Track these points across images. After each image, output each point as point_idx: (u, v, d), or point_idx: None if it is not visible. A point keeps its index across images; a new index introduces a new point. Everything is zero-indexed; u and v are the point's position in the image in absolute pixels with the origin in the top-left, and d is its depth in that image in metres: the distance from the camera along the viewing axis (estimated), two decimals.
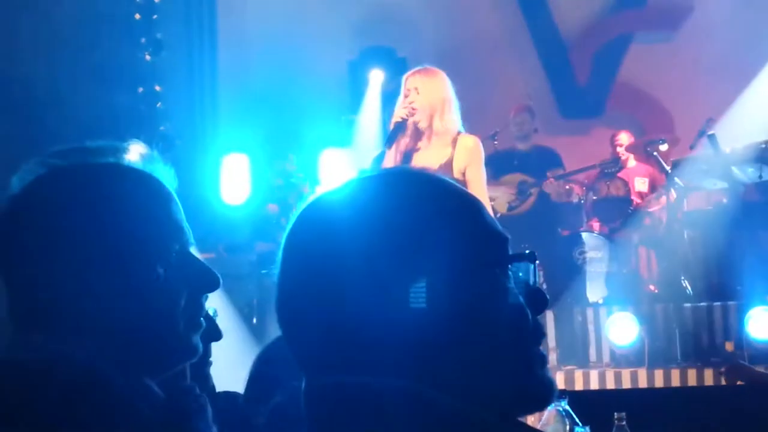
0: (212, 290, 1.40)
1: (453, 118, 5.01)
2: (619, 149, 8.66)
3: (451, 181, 1.11)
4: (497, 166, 7.82)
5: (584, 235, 8.16)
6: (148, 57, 8.31)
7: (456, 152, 4.90)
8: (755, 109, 8.78)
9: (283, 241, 1.13)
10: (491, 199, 7.78)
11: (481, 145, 5.06)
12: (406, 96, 4.99)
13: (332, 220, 1.06)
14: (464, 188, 1.12)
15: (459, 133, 5.01)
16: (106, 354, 1.31)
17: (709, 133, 7.36)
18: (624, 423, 2.75)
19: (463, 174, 4.90)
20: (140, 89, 8.35)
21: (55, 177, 1.37)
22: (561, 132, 10.00)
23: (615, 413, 2.77)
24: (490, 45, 10.11)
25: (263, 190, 8.62)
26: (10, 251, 1.36)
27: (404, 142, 4.98)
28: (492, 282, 1.05)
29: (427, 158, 4.90)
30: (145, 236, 1.35)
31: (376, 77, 9.08)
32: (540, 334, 1.09)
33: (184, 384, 1.42)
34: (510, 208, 7.79)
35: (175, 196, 1.43)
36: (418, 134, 4.97)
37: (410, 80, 5.05)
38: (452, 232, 1.04)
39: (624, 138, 8.75)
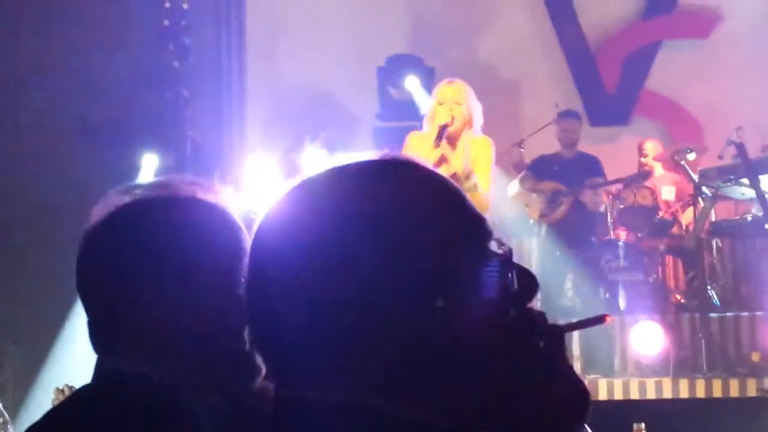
0: None
1: (480, 128, 5.39)
2: (644, 159, 8.63)
3: (436, 171, 1.06)
4: (539, 171, 7.82)
5: (610, 243, 8.13)
6: (176, 63, 8.37)
7: (474, 153, 5.26)
8: None
9: (257, 230, 1.05)
10: (526, 205, 7.81)
11: (491, 144, 5.35)
12: (441, 104, 5.20)
13: (315, 212, 0.98)
14: (447, 178, 1.05)
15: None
16: (185, 376, 1.42)
17: (737, 141, 7.31)
18: None
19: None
20: (168, 94, 8.41)
21: (139, 207, 1.48)
22: (588, 140, 9.97)
23: (634, 424, 2.77)
24: (518, 53, 10.10)
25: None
26: (95, 276, 1.46)
27: (439, 149, 5.17)
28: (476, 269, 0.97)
29: (454, 164, 5.22)
30: (219, 266, 1.45)
31: (412, 84, 8.93)
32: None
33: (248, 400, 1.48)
34: (542, 216, 7.78)
35: (243, 227, 1.51)
36: (450, 138, 5.28)
37: (445, 90, 5.40)
38: (437, 225, 0.98)
39: (650, 147, 8.72)
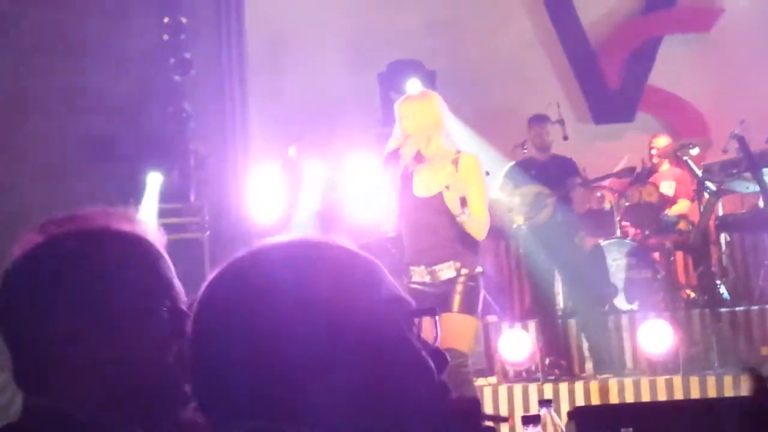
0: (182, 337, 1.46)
1: (447, 139, 5.14)
2: (653, 152, 8.61)
3: (353, 249, 1.19)
4: (516, 176, 7.79)
5: (617, 242, 8.11)
6: (177, 77, 8.39)
7: (459, 172, 5.03)
8: None
9: (200, 300, 1.18)
10: (509, 210, 7.79)
11: (479, 163, 5.17)
12: (400, 121, 5.12)
13: (253, 285, 1.13)
14: (365, 256, 1.19)
15: (459, 152, 5.15)
16: (106, 411, 1.41)
17: (739, 134, 7.28)
18: None
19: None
20: (170, 108, 8.43)
21: (50, 245, 1.47)
22: (593, 138, 9.95)
23: (622, 429, 2.75)
24: (519, 52, 10.08)
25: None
26: (11, 316, 1.46)
27: (406, 165, 5.08)
28: (400, 340, 1.13)
29: (430, 179, 5.08)
30: (135, 295, 1.45)
31: (414, 86, 8.93)
32: (445, 389, 1.16)
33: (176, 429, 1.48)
34: (527, 219, 7.75)
35: (163, 253, 1.51)
36: (418, 157, 5.10)
37: (402, 107, 5.18)
38: (359, 299, 1.13)
39: (659, 141, 8.69)
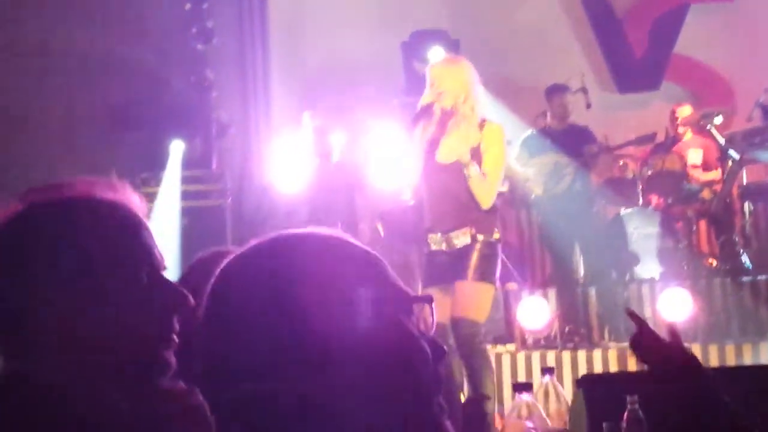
0: (182, 310, 1.50)
1: (478, 103, 5.14)
2: (677, 122, 8.54)
3: (358, 245, 1.27)
4: (533, 146, 7.77)
5: (640, 210, 8.08)
6: (199, 46, 8.42)
7: (483, 139, 5.05)
8: None
9: (221, 276, 1.26)
10: (526, 180, 7.77)
11: (503, 133, 5.17)
12: (431, 85, 5.09)
13: (272, 268, 1.23)
14: (368, 250, 1.27)
15: (484, 120, 5.13)
16: (83, 376, 1.42)
17: (765, 103, 7.21)
18: (636, 406, 2.74)
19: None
20: (192, 77, 8.46)
21: (31, 212, 1.49)
22: (618, 107, 9.89)
23: (627, 396, 2.75)
24: (544, 22, 10.02)
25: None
26: None
27: (431, 128, 5.07)
28: (398, 328, 1.22)
29: (454, 143, 5.07)
30: (115, 261, 1.47)
31: (437, 55, 8.93)
32: (438, 380, 1.24)
33: (155, 394, 1.49)
34: (546, 190, 7.74)
35: (144, 222, 1.54)
36: (444, 120, 5.11)
37: (434, 69, 5.22)
38: (363, 289, 1.21)
39: (683, 111, 8.61)
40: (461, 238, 5.04)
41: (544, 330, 7.24)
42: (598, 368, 6.83)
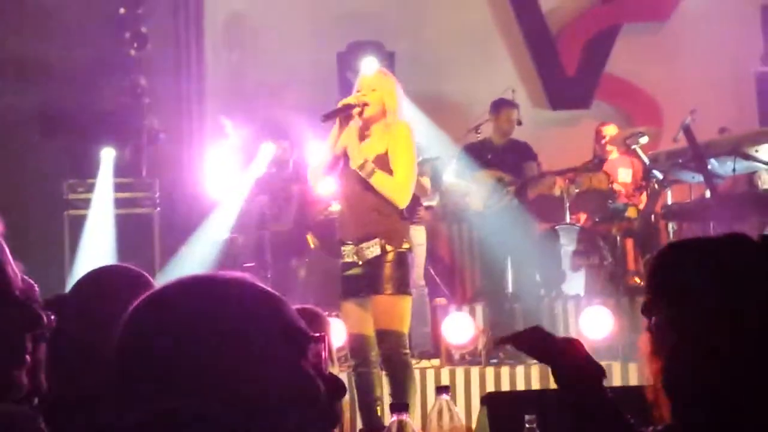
0: (34, 329, 1.51)
1: (399, 117, 5.20)
2: (603, 141, 8.67)
3: (259, 287, 1.33)
4: (471, 160, 7.82)
5: (567, 228, 8.19)
6: (132, 52, 8.37)
7: (390, 138, 5.11)
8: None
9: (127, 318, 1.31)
10: (464, 195, 7.83)
11: (411, 131, 5.20)
12: (357, 91, 5.17)
13: (173, 313, 1.28)
14: (269, 292, 1.33)
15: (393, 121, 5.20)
16: None
17: (687, 124, 7.34)
18: (534, 425, 2.80)
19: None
20: (126, 83, 8.41)
21: None
22: (548, 123, 10.02)
23: (525, 415, 2.81)
24: (478, 36, 10.12)
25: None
26: None
27: (349, 136, 5.10)
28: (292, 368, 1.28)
29: (368, 149, 5.13)
30: None
31: (369, 66, 8.97)
32: (331, 416, 1.32)
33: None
34: (487, 206, 7.80)
35: None
36: (364, 126, 5.16)
37: (364, 79, 5.30)
38: (260, 329, 1.28)
39: (609, 130, 8.75)
40: (372, 249, 5.08)
41: (469, 345, 7.31)
42: (521, 385, 6.91)
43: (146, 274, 2.32)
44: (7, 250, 1.52)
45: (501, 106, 8.09)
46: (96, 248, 7.96)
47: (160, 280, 1.41)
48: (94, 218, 8.13)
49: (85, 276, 2.38)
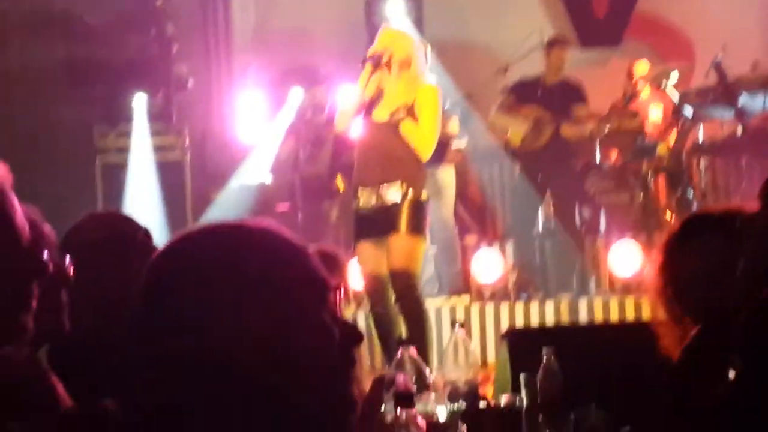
0: (39, 276, 1.55)
1: (422, 68, 5.35)
2: (634, 80, 8.60)
3: (282, 235, 1.33)
4: (520, 94, 7.82)
5: (597, 166, 8.17)
6: (159, 2, 8.39)
7: (417, 99, 5.23)
8: None
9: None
10: (507, 127, 7.86)
11: (438, 95, 5.36)
12: (381, 42, 5.36)
13: (194, 264, 1.28)
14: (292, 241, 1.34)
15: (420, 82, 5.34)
16: None
17: (718, 60, 7.28)
18: (552, 357, 2.84)
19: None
20: (153, 30, 8.45)
21: None
22: (578, 63, 9.91)
23: (543, 348, 2.85)
24: None
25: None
26: None
27: (372, 86, 5.18)
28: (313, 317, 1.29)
29: (390, 100, 5.23)
30: None
31: (394, 7, 8.94)
32: (352, 361, 1.32)
33: None
34: (524, 144, 7.81)
35: (6, 190, 1.53)
36: (390, 73, 5.23)
37: (387, 30, 5.53)
38: (282, 277, 1.29)
39: (640, 67, 8.67)
40: (392, 192, 5.15)
41: (498, 282, 7.36)
42: (550, 320, 6.96)
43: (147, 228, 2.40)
44: (15, 200, 1.53)
45: (552, 44, 8.12)
46: (139, 194, 8.05)
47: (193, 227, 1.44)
48: (133, 165, 8.21)
49: (98, 221, 2.45)
